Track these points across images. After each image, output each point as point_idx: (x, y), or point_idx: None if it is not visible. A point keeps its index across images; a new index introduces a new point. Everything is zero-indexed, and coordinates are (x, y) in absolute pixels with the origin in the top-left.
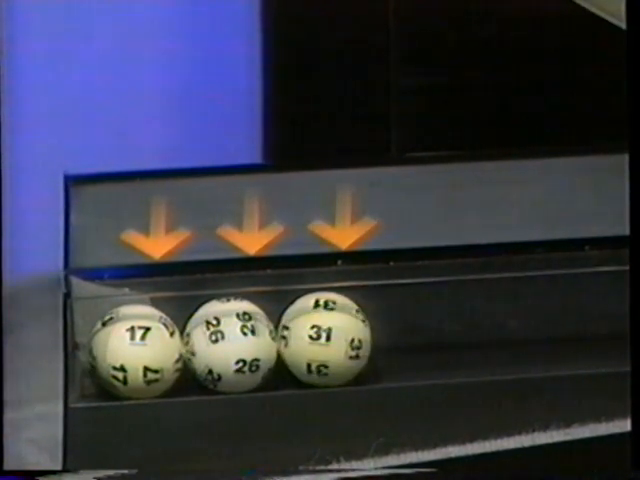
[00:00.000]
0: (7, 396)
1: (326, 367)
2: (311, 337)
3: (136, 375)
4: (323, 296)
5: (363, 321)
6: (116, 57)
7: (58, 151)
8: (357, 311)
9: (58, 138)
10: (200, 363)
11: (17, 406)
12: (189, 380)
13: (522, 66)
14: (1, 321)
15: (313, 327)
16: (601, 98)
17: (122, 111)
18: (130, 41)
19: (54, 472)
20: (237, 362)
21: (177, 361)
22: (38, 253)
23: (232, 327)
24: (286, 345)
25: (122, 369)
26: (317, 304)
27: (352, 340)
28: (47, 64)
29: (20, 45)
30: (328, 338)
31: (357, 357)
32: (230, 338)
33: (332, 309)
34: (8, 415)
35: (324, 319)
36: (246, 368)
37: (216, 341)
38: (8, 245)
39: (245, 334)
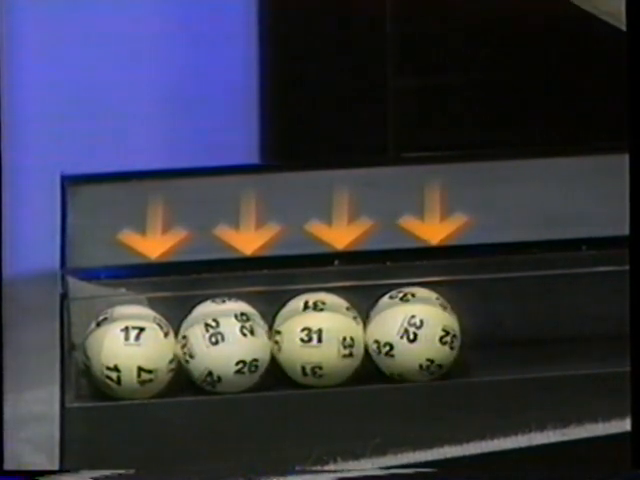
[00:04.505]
0: (4, 396)
1: (320, 368)
2: (302, 340)
3: (130, 375)
4: (312, 297)
5: (354, 318)
6: (113, 57)
7: (55, 151)
8: (347, 309)
9: (56, 138)
10: (199, 365)
11: (14, 406)
12: (184, 380)
13: (521, 66)
14: (1, 322)
15: (304, 329)
16: (601, 98)
17: (119, 111)
18: (127, 41)
19: (53, 472)
20: (237, 363)
21: (171, 361)
22: (35, 253)
23: (231, 328)
24: (279, 349)
25: (116, 369)
26: (306, 306)
27: (344, 339)
28: (45, 64)
29: (18, 45)
30: (319, 339)
31: (350, 355)
32: (230, 340)
33: (322, 309)
34: (5, 415)
35: (314, 320)
36: (246, 369)
37: (216, 343)
38: (5, 245)
39: (244, 335)
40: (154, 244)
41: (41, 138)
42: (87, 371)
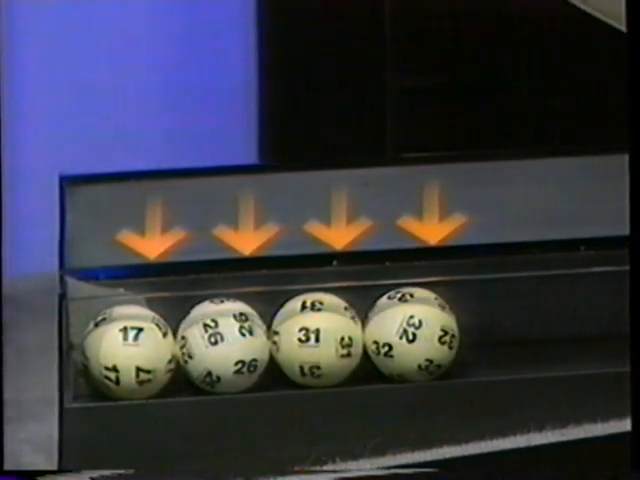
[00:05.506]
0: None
1: (319, 368)
2: (300, 340)
3: (128, 376)
4: (310, 297)
5: (352, 318)
6: (112, 58)
7: (55, 151)
8: (345, 309)
9: (55, 138)
10: (199, 365)
11: (13, 406)
12: (183, 381)
13: (521, 66)
14: (1, 322)
15: (301, 330)
16: (601, 98)
17: (117, 112)
18: (126, 41)
19: (53, 472)
20: (236, 363)
21: (170, 362)
22: (34, 253)
23: (230, 328)
24: (278, 350)
25: (114, 369)
26: (304, 306)
27: (342, 339)
28: (45, 64)
29: (18, 45)
30: (317, 339)
31: (349, 355)
32: (229, 340)
33: (319, 309)
34: (5, 415)
35: (312, 321)
36: (245, 369)
37: (215, 343)
38: (5, 245)
39: (243, 335)
40: (153, 244)
41: (40, 138)
42: (86, 371)
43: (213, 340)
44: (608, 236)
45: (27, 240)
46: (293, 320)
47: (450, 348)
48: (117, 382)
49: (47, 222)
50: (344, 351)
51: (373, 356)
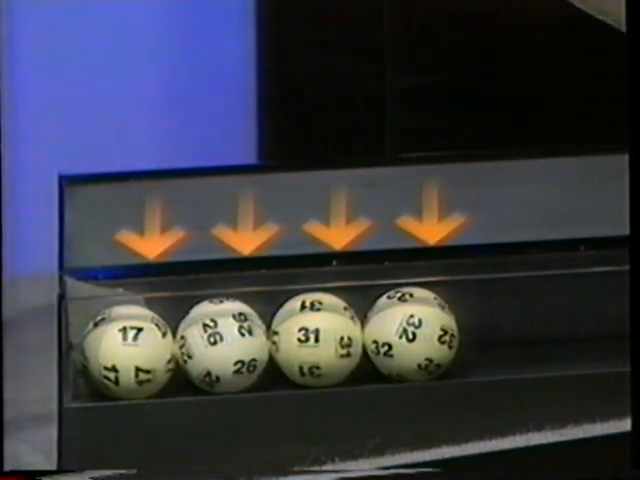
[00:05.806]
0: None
1: (318, 368)
2: (300, 340)
3: (128, 375)
4: (309, 297)
5: (352, 318)
6: (112, 58)
7: (54, 151)
8: (345, 309)
9: (55, 138)
10: (198, 365)
11: (13, 406)
12: (182, 381)
13: (521, 66)
14: (1, 322)
15: (301, 330)
16: (601, 98)
17: (117, 111)
18: (125, 42)
19: (55, 472)
20: (236, 363)
21: (169, 362)
22: (33, 254)
23: (230, 328)
24: (277, 350)
25: (114, 369)
26: (303, 306)
27: (341, 338)
28: (45, 64)
29: (18, 45)
30: (317, 339)
31: (348, 355)
32: (228, 340)
33: (319, 309)
34: (4, 414)
35: (311, 320)
36: (244, 369)
37: (215, 343)
38: (5, 245)
39: (243, 335)
40: (152, 244)
41: (40, 138)
42: (85, 371)
43: (212, 340)
44: (608, 236)
45: (27, 240)
46: (292, 320)
47: (450, 347)
48: (116, 382)
49: (47, 222)
50: (343, 351)
51: (373, 356)
